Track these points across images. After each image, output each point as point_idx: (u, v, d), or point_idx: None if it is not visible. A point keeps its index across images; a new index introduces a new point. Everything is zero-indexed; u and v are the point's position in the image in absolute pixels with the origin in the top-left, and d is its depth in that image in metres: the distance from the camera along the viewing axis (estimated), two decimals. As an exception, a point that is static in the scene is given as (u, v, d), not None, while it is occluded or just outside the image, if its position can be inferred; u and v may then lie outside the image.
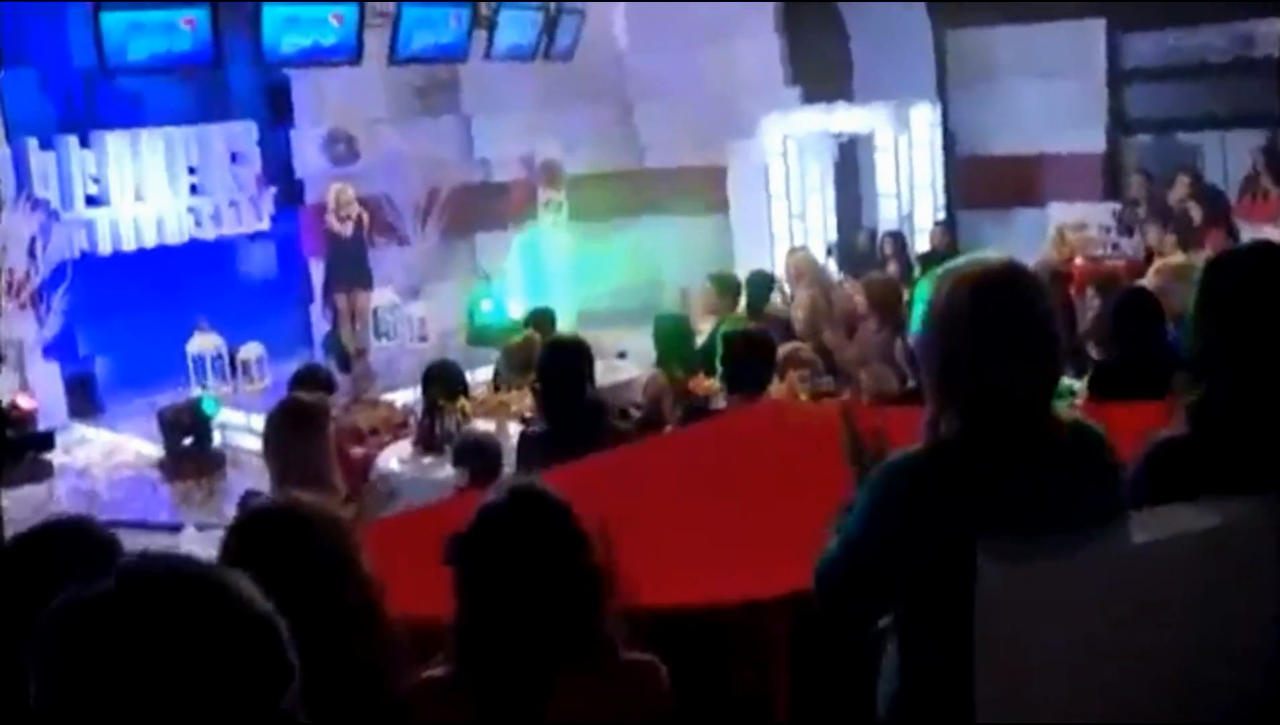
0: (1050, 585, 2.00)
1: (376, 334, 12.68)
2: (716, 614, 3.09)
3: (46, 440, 6.91)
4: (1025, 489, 2.12)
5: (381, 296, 13.00)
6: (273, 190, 13.16)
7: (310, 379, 6.56)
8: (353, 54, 9.85)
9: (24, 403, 9.98)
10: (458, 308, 13.54)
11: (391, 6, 10.31)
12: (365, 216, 11.20)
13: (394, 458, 5.87)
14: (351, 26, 9.62)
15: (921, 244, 11.94)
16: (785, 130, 12.91)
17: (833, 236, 13.11)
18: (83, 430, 10.94)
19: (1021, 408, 2.16)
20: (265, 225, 13.10)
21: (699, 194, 14.08)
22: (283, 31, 9.63)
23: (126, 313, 11.57)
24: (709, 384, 7.26)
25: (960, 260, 2.32)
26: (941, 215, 12.77)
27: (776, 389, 5.77)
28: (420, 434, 5.95)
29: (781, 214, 13.13)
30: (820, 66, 13.38)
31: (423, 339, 12.47)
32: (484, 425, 5.85)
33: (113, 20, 8.80)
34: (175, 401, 9.91)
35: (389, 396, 10.57)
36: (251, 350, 10.96)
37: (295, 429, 4.59)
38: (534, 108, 14.00)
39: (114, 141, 12.00)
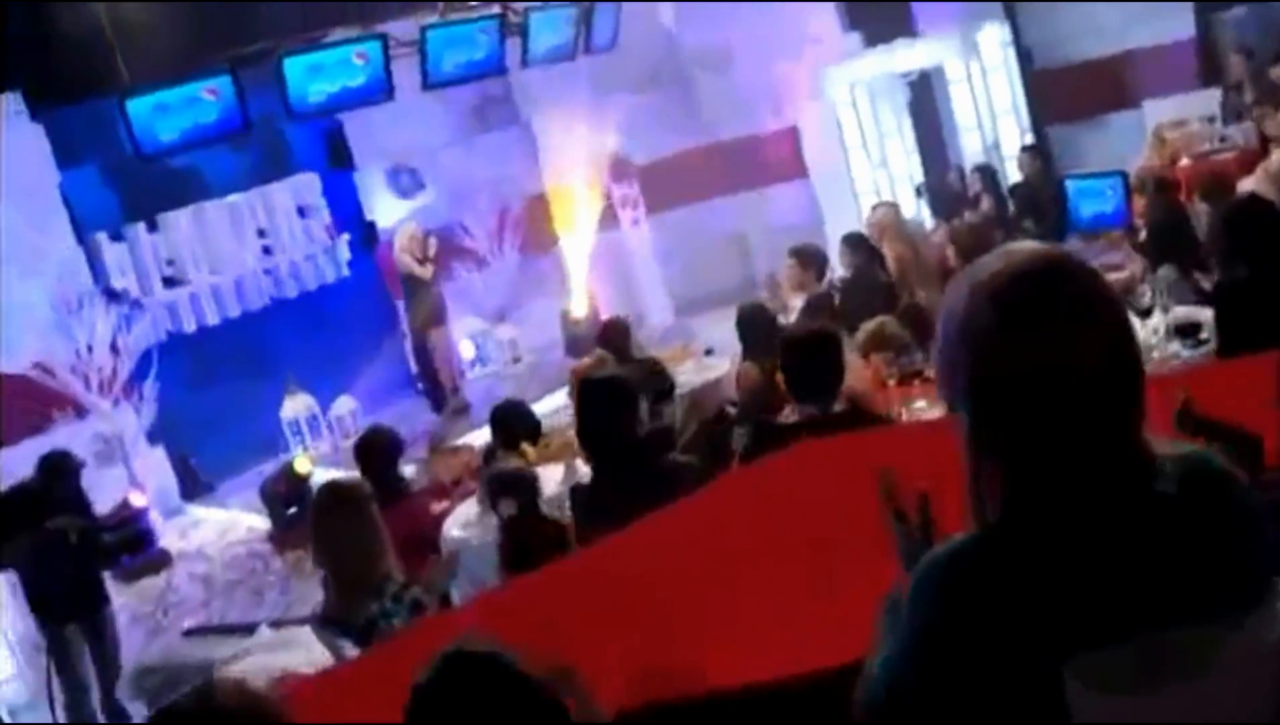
0: (1171, 713, 1.41)
1: (471, 363, 12.34)
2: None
3: (138, 541, 6.68)
4: (1114, 575, 1.47)
5: (470, 324, 12.67)
6: (346, 237, 12.93)
7: (371, 447, 6.19)
8: (384, 90, 9.43)
9: (136, 500, 9.86)
10: (550, 322, 13.14)
11: (414, 33, 9.91)
12: (435, 250, 10.79)
13: (456, 524, 5.40)
14: (378, 62, 9.22)
15: (1013, 172, 11.09)
16: (851, 78, 12.19)
17: (919, 179, 12.33)
18: (196, 512, 10.84)
19: (1089, 462, 1.50)
20: (345, 272, 12.88)
21: (775, 161, 13.45)
22: (308, 81, 9.30)
23: (222, 386, 11.42)
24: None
25: (989, 256, 1.68)
26: (1029, 138, 11.89)
27: (860, 373, 5.19)
28: (480, 491, 5.51)
29: (863, 166, 12.41)
30: (876, 6, 12.58)
31: (516, 361, 12.08)
32: (549, 471, 5.37)
33: (138, 106, 8.55)
34: (274, 471, 9.67)
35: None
36: (343, 404, 10.70)
37: (335, 515, 4.20)
38: (592, 103, 13.50)
39: (179, 220, 11.87)
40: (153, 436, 11.16)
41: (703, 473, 6.05)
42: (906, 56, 11.82)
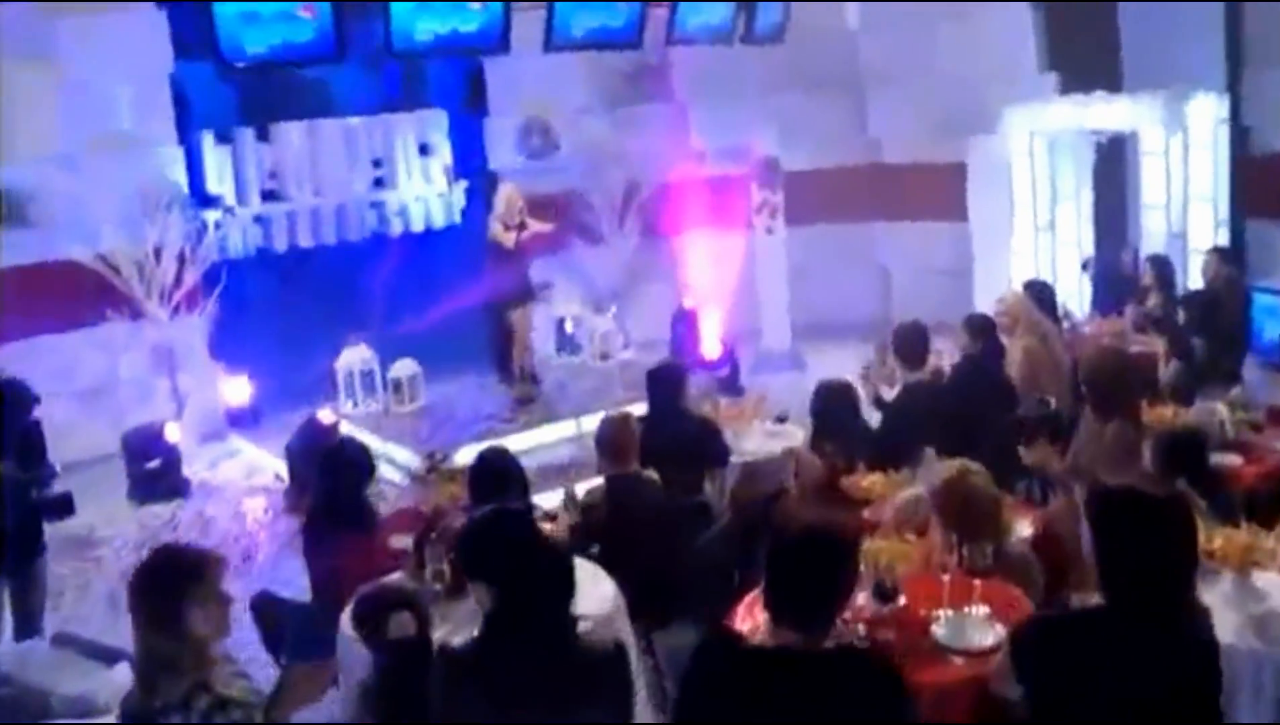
0: None
1: (557, 349, 11.28)
2: None
3: (66, 505, 5.83)
4: None
5: (569, 305, 11.58)
6: (464, 184, 11.99)
7: (338, 462, 5.15)
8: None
9: (170, 434, 9.12)
10: (659, 316, 11.97)
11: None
12: (523, 217, 9.65)
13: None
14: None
15: (1195, 272, 9.42)
16: (1035, 125, 10.63)
17: (1088, 253, 10.74)
18: (236, 442, 10.07)
19: None
20: (457, 220, 11.94)
21: (935, 196, 12.00)
22: (415, 17, 8.25)
23: (293, 315, 10.63)
24: (870, 482, 5.43)
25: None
26: (1223, 235, 10.18)
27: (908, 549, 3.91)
28: (409, 566, 4.40)
29: (1027, 224, 10.87)
30: (1080, 50, 10.98)
31: (604, 357, 10.94)
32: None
33: (226, 12, 7.66)
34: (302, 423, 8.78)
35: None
36: (404, 368, 9.73)
37: (160, 591, 3.17)
38: (755, 95, 12.22)
39: (292, 133, 11.06)
40: (214, 351, 10.45)
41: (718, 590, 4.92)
42: (1102, 114, 10.19)
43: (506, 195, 9.70)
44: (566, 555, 3.10)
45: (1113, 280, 9.91)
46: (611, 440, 5.40)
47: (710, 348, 11.24)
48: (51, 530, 6.55)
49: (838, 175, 12.73)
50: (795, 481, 5.53)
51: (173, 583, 3.16)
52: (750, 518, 5.72)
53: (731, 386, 10.21)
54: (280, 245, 11.06)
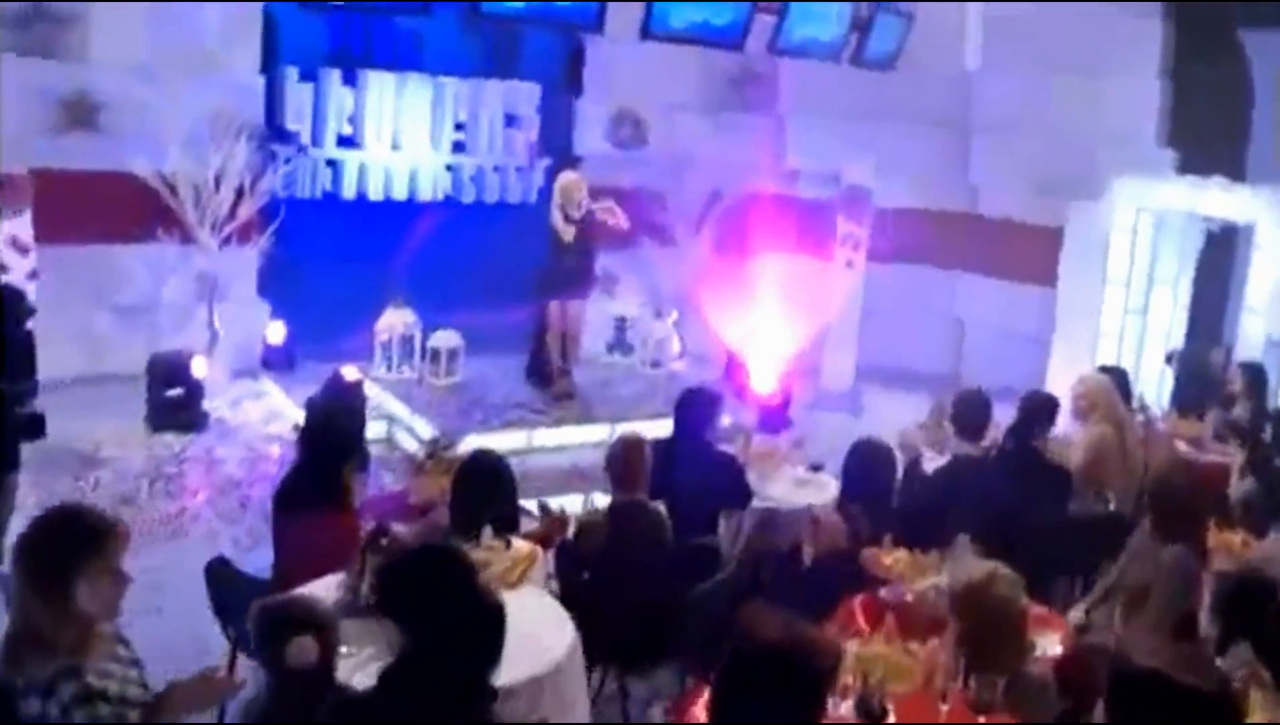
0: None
1: (609, 348, 10.84)
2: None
3: (37, 425, 5.51)
4: None
5: (627, 304, 11.14)
6: (546, 162, 11.58)
7: (323, 436, 4.75)
8: (594, 19, 7.72)
9: (197, 369, 8.82)
10: (720, 333, 11.46)
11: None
12: (584, 211, 9.17)
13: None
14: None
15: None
16: (1142, 200, 9.97)
17: (1177, 344, 10.04)
18: (266, 383, 9.77)
19: None
20: (532, 198, 11.54)
21: (1026, 257, 11.37)
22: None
23: (347, 266, 10.27)
24: (893, 559, 4.91)
25: None
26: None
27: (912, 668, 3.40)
28: (351, 571, 3.94)
29: (1117, 302, 10.21)
30: (1205, 131, 10.27)
31: (655, 364, 10.49)
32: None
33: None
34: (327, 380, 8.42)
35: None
36: (446, 338, 9.36)
37: (48, 557, 2.77)
38: (856, 122, 11.65)
39: (378, 82, 10.73)
40: (261, 289, 10.18)
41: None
42: (1218, 200, 9.51)
43: (566, 184, 9.25)
44: (499, 613, 2.64)
45: (1199, 379, 9.20)
46: (620, 462, 4.95)
47: (764, 376, 10.72)
48: (55, 442, 6.28)
49: (928, 218, 12.08)
50: (810, 541, 5.04)
51: (67, 548, 2.77)
52: (749, 563, 5.27)
53: (778, 420, 9.69)
54: (348, 193, 10.76)
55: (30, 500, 5.97)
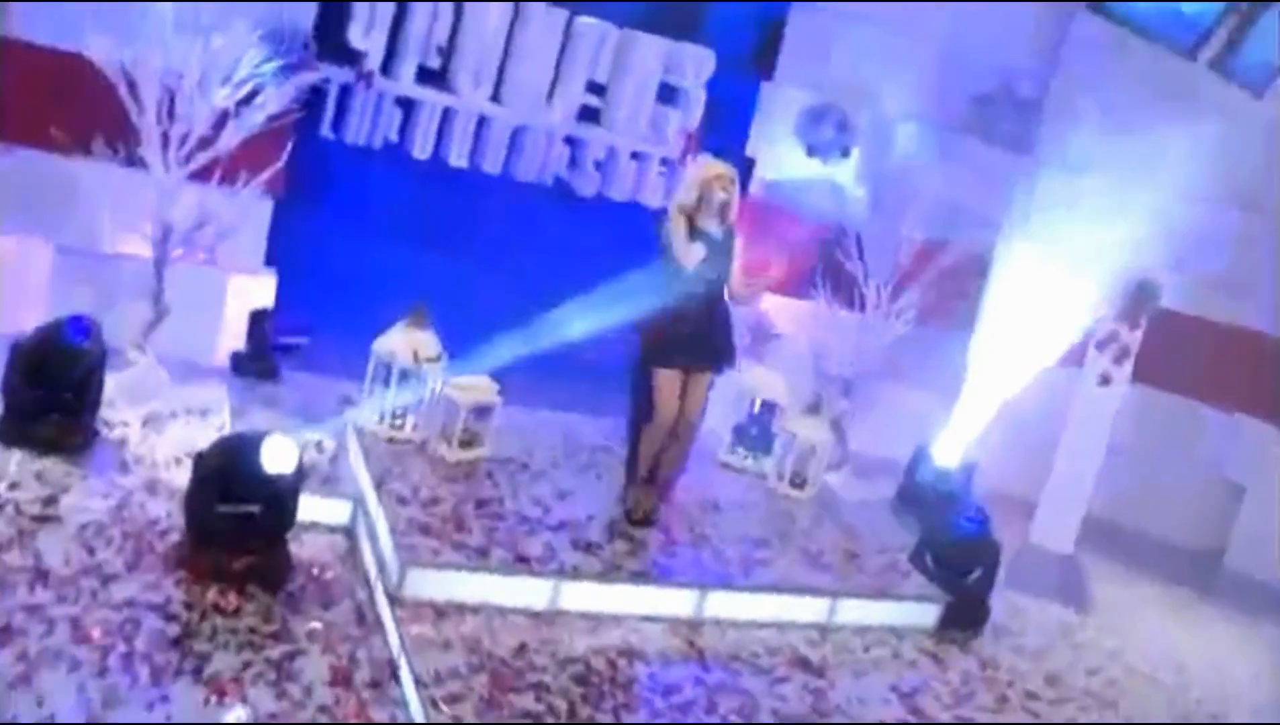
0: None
1: (733, 444, 7.01)
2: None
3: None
4: None
5: (769, 384, 7.40)
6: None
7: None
8: None
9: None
10: (902, 438, 7.79)
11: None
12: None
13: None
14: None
15: None
16: None
17: None
18: (221, 397, 6.45)
19: None
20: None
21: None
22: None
23: (400, 243, 7.16)
24: None
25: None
26: None
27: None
28: None
29: None
30: None
31: (798, 483, 6.75)
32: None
33: None
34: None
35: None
36: (472, 388, 5.76)
37: None
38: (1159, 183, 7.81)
39: (490, 11, 7.40)
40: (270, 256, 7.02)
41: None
42: None
43: (704, 175, 5.65)
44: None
45: None
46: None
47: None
48: None
49: (1221, 334, 8.36)
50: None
51: None
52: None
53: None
54: (419, 151, 7.46)
55: None
